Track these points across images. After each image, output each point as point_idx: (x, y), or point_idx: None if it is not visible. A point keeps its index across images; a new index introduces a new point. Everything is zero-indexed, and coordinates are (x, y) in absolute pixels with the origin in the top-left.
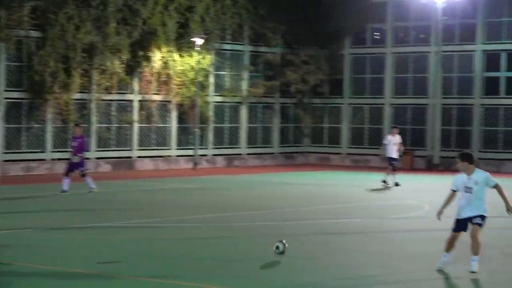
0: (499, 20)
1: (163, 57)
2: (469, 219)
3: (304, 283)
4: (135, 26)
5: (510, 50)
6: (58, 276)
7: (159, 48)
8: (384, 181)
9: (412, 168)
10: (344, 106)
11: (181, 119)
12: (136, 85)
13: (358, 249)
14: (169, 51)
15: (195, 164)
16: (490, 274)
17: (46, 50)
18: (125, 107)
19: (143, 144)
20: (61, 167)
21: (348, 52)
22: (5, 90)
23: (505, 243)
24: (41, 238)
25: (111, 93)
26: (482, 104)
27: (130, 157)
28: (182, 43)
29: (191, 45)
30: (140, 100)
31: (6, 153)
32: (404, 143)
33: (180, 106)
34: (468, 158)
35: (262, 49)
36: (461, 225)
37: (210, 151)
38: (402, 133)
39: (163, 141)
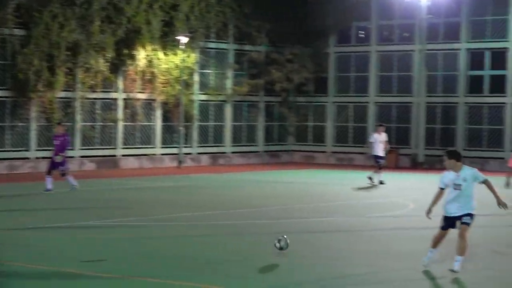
0: (483, 18)
1: (147, 55)
2: (458, 218)
3: (292, 282)
4: (120, 25)
5: (494, 48)
6: (50, 276)
7: (143, 47)
8: (370, 178)
9: (396, 167)
10: (329, 104)
11: (165, 118)
12: (120, 83)
13: (344, 248)
14: (153, 50)
15: (180, 162)
16: (478, 272)
17: (30, 48)
18: (109, 105)
19: (127, 142)
20: (45, 166)
21: (333, 50)
22: None
23: (494, 240)
24: (28, 237)
25: (96, 92)
26: (466, 103)
27: (114, 156)
28: (166, 42)
29: (176, 44)
30: (124, 99)
31: None
32: (389, 141)
33: (164, 104)
34: (455, 156)
35: (247, 47)
36: (449, 222)
37: (194, 150)
38: (386, 131)
39: (147, 140)
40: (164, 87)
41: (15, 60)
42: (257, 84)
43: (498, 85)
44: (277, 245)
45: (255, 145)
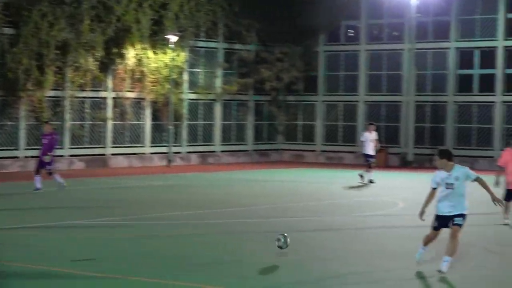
0: (472, 17)
1: (137, 54)
2: (451, 217)
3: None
4: (109, 23)
5: (483, 47)
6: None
7: (133, 45)
8: (361, 176)
9: (386, 165)
10: (318, 103)
11: (155, 117)
12: (110, 82)
13: (338, 247)
14: (143, 48)
15: (169, 161)
16: (469, 271)
17: (19, 47)
18: (99, 104)
19: (117, 141)
20: (34, 165)
21: (322, 49)
22: None
23: (484, 239)
24: (21, 236)
25: (85, 91)
26: (455, 101)
27: (104, 155)
28: (156, 40)
29: (165, 43)
30: (114, 98)
31: None
32: (378, 140)
33: (154, 103)
34: (447, 155)
35: (237, 46)
36: (442, 222)
37: (184, 149)
38: (376, 130)
39: (137, 139)
40: (153, 86)
41: (4, 59)
42: (246, 83)
43: (487, 84)
44: (278, 243)
45: (245, 144)
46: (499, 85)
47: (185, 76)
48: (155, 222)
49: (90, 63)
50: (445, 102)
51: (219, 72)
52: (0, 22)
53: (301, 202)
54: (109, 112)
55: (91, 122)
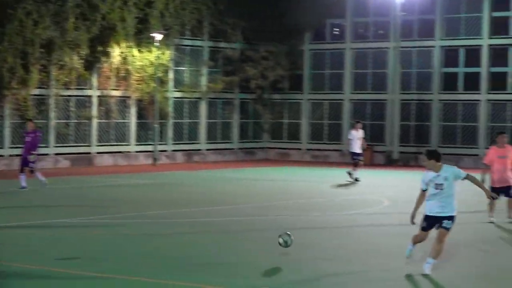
0: (457, 16)
1: (122, 52)
2: (439, 219)
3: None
4: (94, 22)
5: (468, 46)
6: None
7: (118, 44)
8: (350, 173)
9: (371, 164)
10: (304, 101)
11: (140, 115)
12: (95, 80)
13: (328, 246)
14: (128, 47)
15: (155, 159)
16: (458, 270)
17: (4, 45)
18: (84, 102)
19: (102, 140)
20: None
21: (308, 47)
22: None
23: (473, 238)
24: (14, 235)
25: (70, 89)
26: (440, 100)
27: (89, 153)
28: (141, 39)
29: (151, 41)
30: (99, 96)
31: None
32: (364, 138)
33: (139, 101)
34: (435, 156)
35: (222, 44)
36: (431, 222)
37: (169, 147)
38: (362, 128)
39: (122, 137)
40: (138, 84)
41: None
42: (232, 81)
43: (472, 82)
44: (282, 240)
45: (230, 142)
46: (484, 83)
47: (171, 75)
48: (149, 221)
49: (75, 61)
50: (430, 100)
51: (205, 70)
52: None
53: (290, 200)
54: (94, 111)
55: (76, 121)
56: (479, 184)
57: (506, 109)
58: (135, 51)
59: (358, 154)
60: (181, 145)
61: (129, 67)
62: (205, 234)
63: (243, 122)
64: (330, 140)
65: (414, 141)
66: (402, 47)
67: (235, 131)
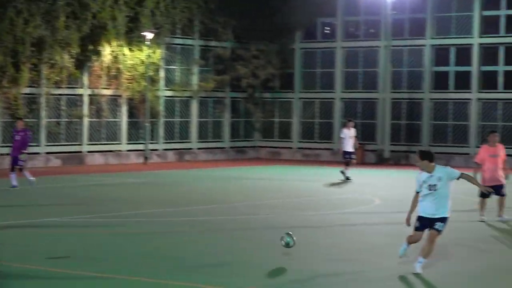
0: (448, 15)
1: (113, 51)
2: (433, 220)
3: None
4: (85, 20)
5: (459, 44)
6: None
7: (109, 42)
8: (343, 172)
9: (363, 162)
10: (295, 100)
11: (131, 114)
12: (86, 79)
13: (323, 244)
14: (119, 45)
15: (146, 158)
16: (451, 268)
17: None
18: (75, 101)
19: (93, 138)
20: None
21: (299, 46)
22: None
23: (464, 236)
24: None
25: (61, 88)
26: (431, 99)
27: (80, 152)
28: (132, 37)
29: (141, 40)
30: (90, 95)
31: None
32: (356, 137)
33: (130, 100)
34: (428, 157)
35: (213, 43)
36: (425, 222)
37: (160, 146)
38: (354, 127)
39: (113, 136)
40: (129, 83)
41: None
42: (223, 80)
43: (463, 81)
44: (285, 241)
45: (221, 141)
46: (474, 82)
47: (161, 73)
48: (146, 220)
49: (66, 60)
50: (421, 99)
51: (195, 69)
52: None
53: (283, 199)
54: (85, 109)
55: (67, 119)
56: (474, 181)
57: (497, 108)
58: (126, 50)
59: (350, 153)
60: (172, 144)
61: (120, 66)
62: (204, 233)
63: (234, 121)
64: (321, 139)
65: (405, 140)
66: (393, 46)
67: (226, 130)
